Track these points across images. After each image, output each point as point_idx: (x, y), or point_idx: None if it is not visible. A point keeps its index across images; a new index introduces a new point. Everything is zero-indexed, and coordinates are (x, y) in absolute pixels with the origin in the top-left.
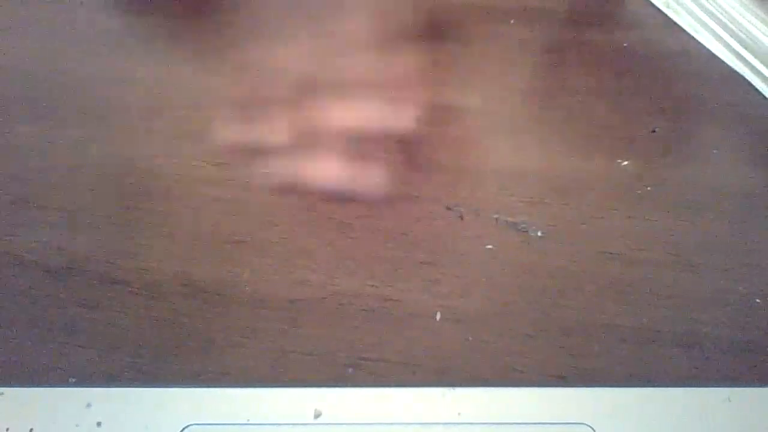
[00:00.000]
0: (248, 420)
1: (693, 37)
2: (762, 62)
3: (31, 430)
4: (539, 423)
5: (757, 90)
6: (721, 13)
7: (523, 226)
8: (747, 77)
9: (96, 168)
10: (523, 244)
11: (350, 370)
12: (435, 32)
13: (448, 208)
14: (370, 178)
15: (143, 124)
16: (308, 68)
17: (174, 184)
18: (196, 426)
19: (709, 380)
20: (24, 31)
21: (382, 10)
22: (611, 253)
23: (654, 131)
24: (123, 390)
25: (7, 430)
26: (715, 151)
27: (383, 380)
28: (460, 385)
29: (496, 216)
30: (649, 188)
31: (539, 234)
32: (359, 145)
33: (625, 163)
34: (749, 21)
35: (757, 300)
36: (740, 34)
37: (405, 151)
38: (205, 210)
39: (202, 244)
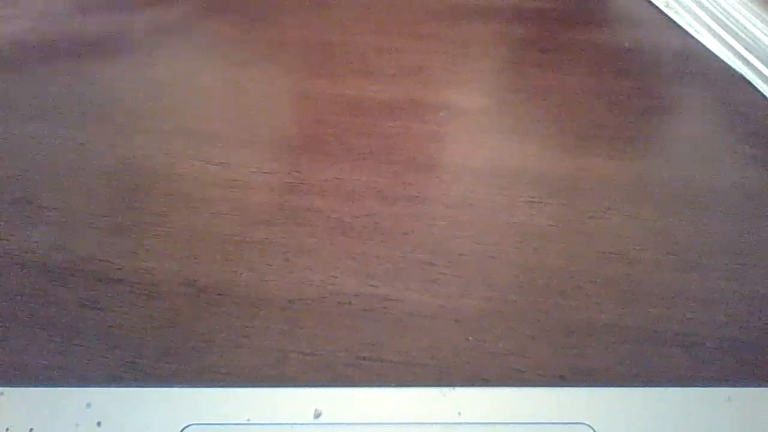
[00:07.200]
0: (248, 420)
1: (693, 37)
2: (762, 62)
3: (31, 430)
4: (539, 423)
5: (757, 90)
6: (722, 13)
7: (523, 225)
8: (747, 77)
9: (96, 168)
10: (523, 244)
11: (350, 370)
12: (435, 32)
13: (448, 208)
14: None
15: (143, 124)
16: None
17: (174, 184)
18: (196, 426)
19: (709, 380)
20: (24, 32)
21: (382, 11)
22: (611, 253)
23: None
24: (123, 390)
25: (7, 430)
26: (715, 151)
27: (383, 380)
28: (460, 385)
29: (495, 216)
30: (649, 188)
31: (539, 233)
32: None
33: None
34: (750, 21)
35: (757, 300)
36: (740, 34)
37: (405, 150)
38: (205, 210)
39: (202, 244)
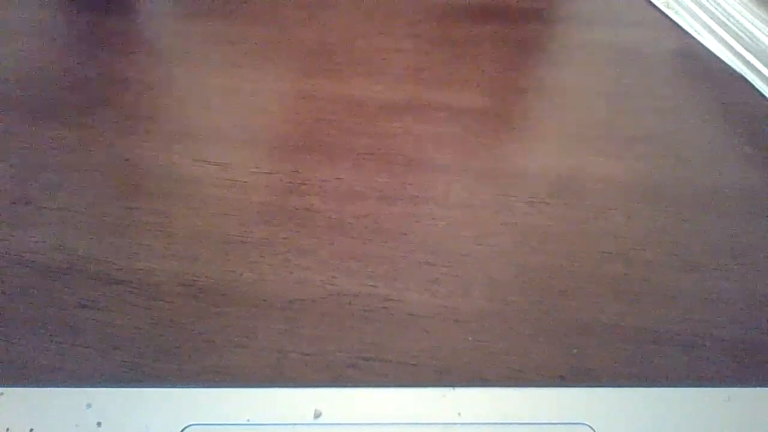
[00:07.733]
0: (248, 420)
1: (693, 37)
2: (762, 62)
3: (31, 430)
4: (539, 423)
5: (757, 90)
6: (721, 13)
7: (523, 225)
8: (747, 77)
9: (96, 168)
10: (523, 244)
11: (350, 370)
12: (436, 32)
13: (448, 208)
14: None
15: (143, 124)
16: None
17: (174, 184)
18: (196, 426)
19: (709, 380)
20: (24, 32)
21: (382, 11)
22: (611, 253)
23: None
24: (123, 390)
25: (7, 430)
26: (715, 151)
27: (383, 380)
28: (460, 385)
29: (495, 216)
30: (649, 188)
31: (539, 233)
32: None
33: None
34: (750, 21)
35: (757, 300)
36: (740, 34)
37: (405, 150)
38: (205, 210)
39: (202, 244)
